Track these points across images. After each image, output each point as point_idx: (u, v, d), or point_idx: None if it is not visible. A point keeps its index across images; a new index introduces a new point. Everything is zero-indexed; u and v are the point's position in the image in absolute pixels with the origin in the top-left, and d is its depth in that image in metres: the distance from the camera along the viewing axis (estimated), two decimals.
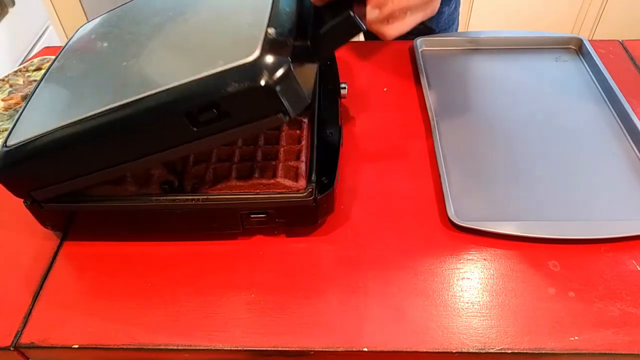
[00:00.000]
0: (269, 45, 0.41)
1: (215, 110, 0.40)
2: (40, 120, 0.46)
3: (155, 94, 0.41)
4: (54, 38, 1.53)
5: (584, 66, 0.75)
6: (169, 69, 0.45)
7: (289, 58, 0.40)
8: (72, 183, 0.46)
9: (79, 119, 0.43)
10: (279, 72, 0.39)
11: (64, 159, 0.45)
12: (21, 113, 0.49)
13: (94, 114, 0.42)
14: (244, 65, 0.39)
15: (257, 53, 0.40)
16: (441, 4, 0.87)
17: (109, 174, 0.46)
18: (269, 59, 0.40)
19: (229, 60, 0.40)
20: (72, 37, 0.57)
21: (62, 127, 0.43)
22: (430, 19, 0.87)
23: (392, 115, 0.69)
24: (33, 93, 0.51)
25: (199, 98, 0.40)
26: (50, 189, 0.47)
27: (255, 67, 0.39)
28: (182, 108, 0.41)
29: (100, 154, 0.45)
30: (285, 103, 0.40)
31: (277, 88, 0.39)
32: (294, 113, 0.41)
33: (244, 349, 0.46)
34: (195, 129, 0.41)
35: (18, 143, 0.45)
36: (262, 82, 0.39)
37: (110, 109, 0.42)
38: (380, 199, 0.58)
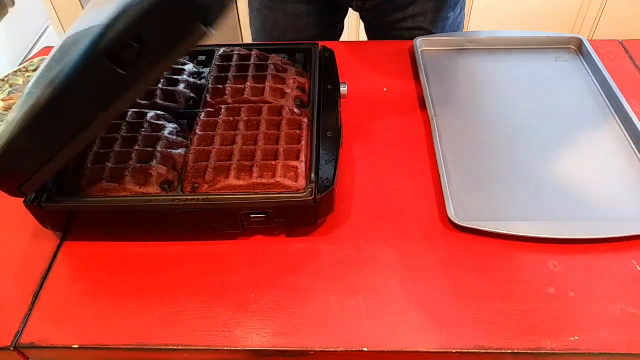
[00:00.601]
0: None
1: (134, 43, 0.39)
2: (12, 118, 0.47)
3: (78, 51, 0.40)
4: (54, 38, 1.53)
5: (584, 66, 0.75)
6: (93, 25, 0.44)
7: None
8: (48, 168, 0.46)
9: (30, 103, 0.43)
10: None
11: (28, 146, 0.45)
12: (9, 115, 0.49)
13: (40, 95, 0.42)
14: None
15: None
16: (446, 9, 0.87)
17: (75, 147, 0.45)
18: None
19: None
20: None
21: (22, 117, 0.43)
22: (435, 25, 0.88)
23: (392, 115, 0.69)
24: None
25: (112, 33, 0.39)
26: (35, 180, 0.47)
27: None
28: (101, 51, 0.40)
29: (56, 130, 0.44)
30: (202, 9, 0.38)
31: None
32: (215, 19, 0.39)
33: (244, 349, 0.46)
34: (123, 71, 0.40)
35: None
36: None
37: (48, 81, 0.42)
38: (380, 199, 0.58)
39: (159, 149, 0.54)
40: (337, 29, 1.00)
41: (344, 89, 0.63)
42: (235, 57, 0.66)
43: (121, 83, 0.42)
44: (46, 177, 0.47)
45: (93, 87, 0.42)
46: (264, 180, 0.51)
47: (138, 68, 0.41)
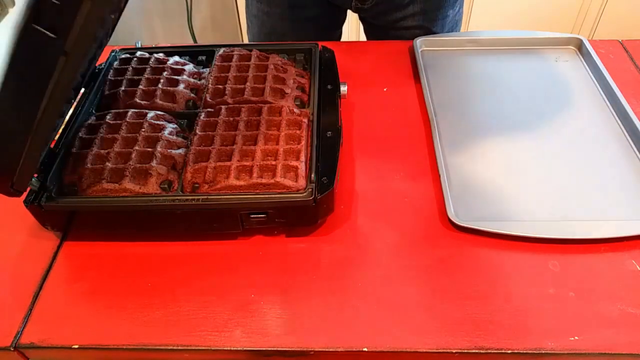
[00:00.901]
0: None
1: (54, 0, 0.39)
2: None
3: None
4: None
5: (584, 66, 0.75)
6: None
7: None
8: (30, 155, 0.46)
9: None
10: None
11: (2, 134, 0.45)
12: None
13: None
14: None
15: None
16: (446, 7, 0.87)
17: (45, 126, 0.45)
18: None
19: None
20: None
21: None
22: (435, 24, 0.88)
23: (392, 115, 0.69)
24: None
25: None
26: (22, 173, 0.46)
27: None
28: (28, 18, 0.40)
29: (20, 111, 0.44)
30: None
31: None
32: None
33: (244, 349, 0.46)
34: (54, 35, 0.40)
35: None
36: None
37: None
38: (380, 199, 0.58)
39: (158, 149, 0.54)
40: (335, 35, 0.99)
41: (344, 89, 0.63)
42: (235, 57, 0.66)
43: (57, 46, 0.41)
44: (31, 165, 0.47)
45: (34, 58, 0.42)
46: (264, 181, 0.51)
47: (67, 27, 0.40)
